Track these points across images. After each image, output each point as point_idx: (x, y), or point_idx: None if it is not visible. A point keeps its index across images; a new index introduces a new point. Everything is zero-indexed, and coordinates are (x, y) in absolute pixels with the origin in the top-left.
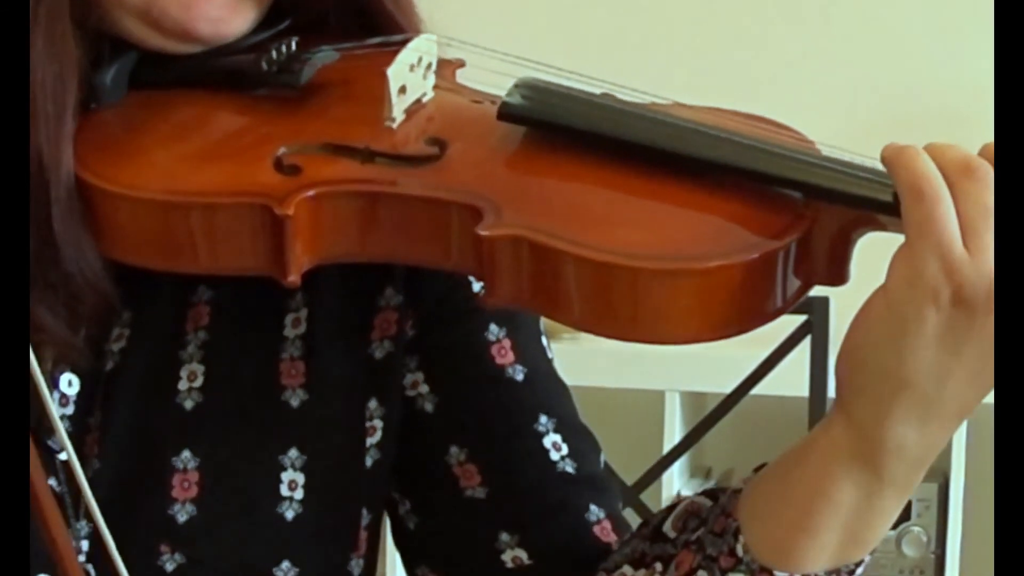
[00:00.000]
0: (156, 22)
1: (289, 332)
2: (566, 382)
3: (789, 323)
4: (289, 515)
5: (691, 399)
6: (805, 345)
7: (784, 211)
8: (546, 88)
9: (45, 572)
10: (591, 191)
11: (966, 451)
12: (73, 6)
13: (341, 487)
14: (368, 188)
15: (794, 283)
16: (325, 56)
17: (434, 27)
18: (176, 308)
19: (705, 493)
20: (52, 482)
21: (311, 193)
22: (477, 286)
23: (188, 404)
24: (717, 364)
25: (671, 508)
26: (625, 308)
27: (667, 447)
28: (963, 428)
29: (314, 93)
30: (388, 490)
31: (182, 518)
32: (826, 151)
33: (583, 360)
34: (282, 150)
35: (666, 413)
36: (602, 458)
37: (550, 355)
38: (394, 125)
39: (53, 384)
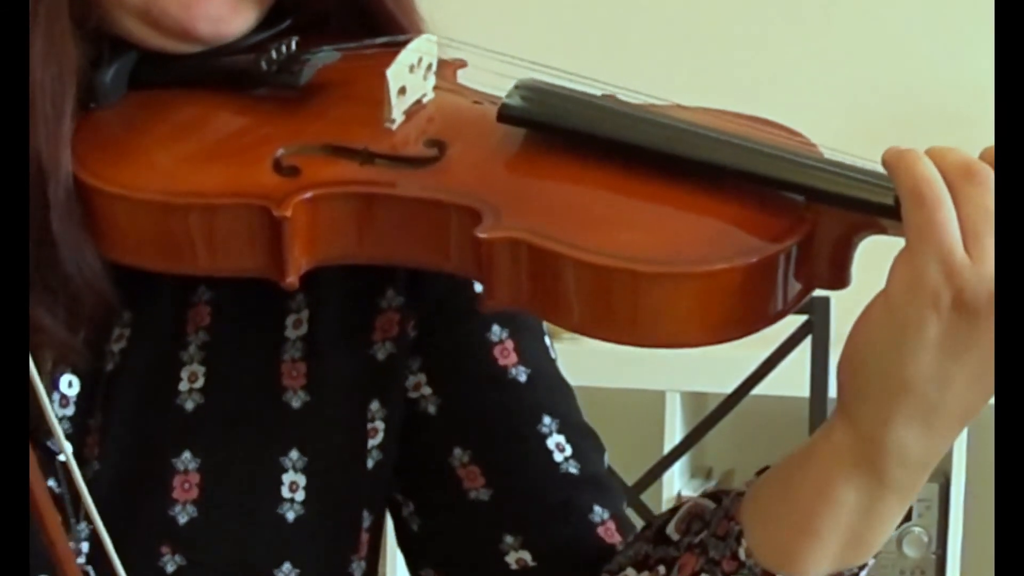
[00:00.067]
0: (156, 22)
1: (290, 333)
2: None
3: (790, 323)
4: (290, 516)
5: (692, 399)
6: (806, 345)
7: (785, 214)
8: (546, 90)
9: (45, 573)
10: (591, 194)
11: (967, 451)
12: (73, 6)
13: (342, 489)
14: (367, 190)
15: (795, 286)
16: (325, 56)
17: (435, 27)
18: (177, 308)
19: (709, 495)
20: (52, 483)
21: (309, 195)
22: (479, 287)
23: (189, 405)
24: (718, 364)
25: (675, 510)
26: (625, 312)
27: (668, 447)
28: (964, 429)
29: (314, 93)
30: (391, 492)
31: (183, 519)
32: (827, 154)
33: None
34: (281, 151)
35: (667, 413)
36: (606, 458)
37: (553, 355)
38: (394, 126)
39: (53, 385)
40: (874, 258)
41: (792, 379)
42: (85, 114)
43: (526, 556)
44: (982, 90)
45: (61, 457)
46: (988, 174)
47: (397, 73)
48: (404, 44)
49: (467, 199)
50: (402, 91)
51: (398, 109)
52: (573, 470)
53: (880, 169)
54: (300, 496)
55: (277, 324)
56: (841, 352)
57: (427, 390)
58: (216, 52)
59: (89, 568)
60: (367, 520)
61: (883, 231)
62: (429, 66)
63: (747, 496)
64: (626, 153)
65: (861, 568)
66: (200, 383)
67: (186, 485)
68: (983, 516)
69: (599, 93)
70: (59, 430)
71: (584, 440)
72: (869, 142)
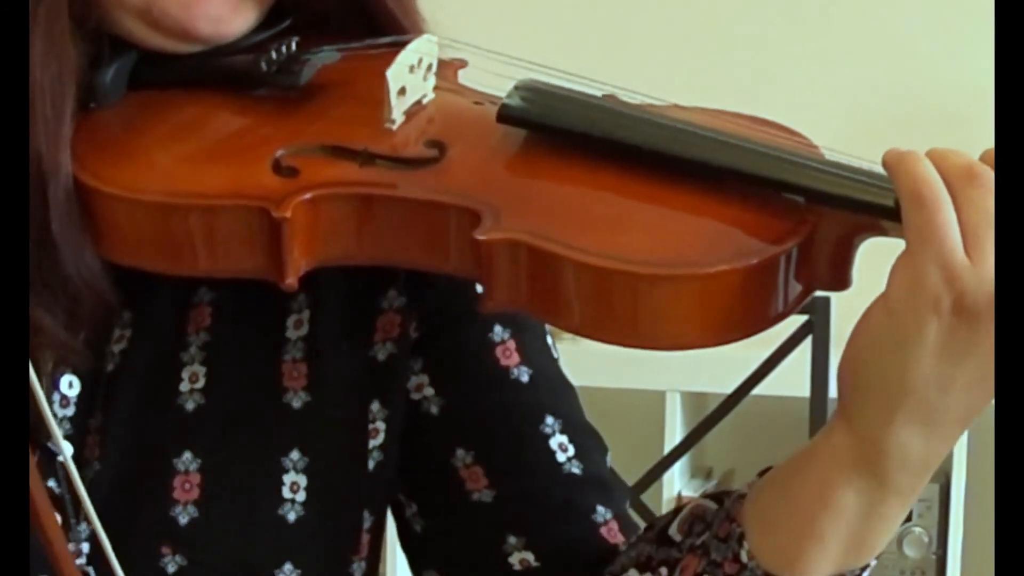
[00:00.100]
0: (156, 22)
1: (291, 333)
2: None
3: (790, 323)
4: (291, 517)
5: (692, 399)
6: (806, 345)
7: (786, 216)
8: (546, 90)
9: (45, 573)
10: (591, 195)
11: (967, 452)
12: (73, 6)
13: (343, 489)
14: (367, 191)
15: (795, 288)
16: (325, 56)
17: (435, 28)
18: (177, 309)
19: (710, 496)
20: (52, 484)
21: (309, 196)
22: (480, 288)
23: (189, 405)
24: (718, 364)
25: (677, 511)
26: (625, 314)
27: (668, 447)
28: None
29: (314, 94)
30: (394, 493)
31: (183, 520)
32: (827, 154)
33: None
34: (280, 152)
35: (667, 413)
36: (608, 458)
37: (555, 355)
38: (394, 127)
39: (53, 386)
40: (875, 259)
41: (792, 379)
42: (85, 114)
43: (529, 557)
44: (982, 90)
45: (61, 458)
46: (989, 176)
47: (397, 74)
48: (404, 44)
49: (467, 200)
50: (402, 92)
51: (398, 110)
52: (576, 470)
53: (880, 170)
54: (301, 497)
55: (278, 324)
56: (841, 355)
57: (429, 391)
58: (216, 52)
59: (90, 569)
60: (368, 521)
61: (884, 233)
62: (429, 66)
63: (748, 498)
64: (626, 154)
65: (863, 569)
66: (201, 383)
67: (187, 485)
68: (983, 516)
69: (599, 93)
70: (57, 431)
71: (587, 440)
72: (869, 142)
